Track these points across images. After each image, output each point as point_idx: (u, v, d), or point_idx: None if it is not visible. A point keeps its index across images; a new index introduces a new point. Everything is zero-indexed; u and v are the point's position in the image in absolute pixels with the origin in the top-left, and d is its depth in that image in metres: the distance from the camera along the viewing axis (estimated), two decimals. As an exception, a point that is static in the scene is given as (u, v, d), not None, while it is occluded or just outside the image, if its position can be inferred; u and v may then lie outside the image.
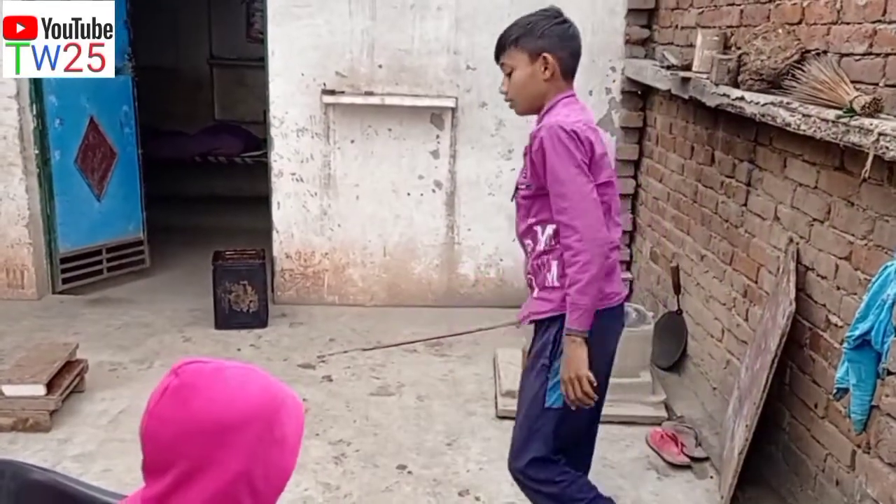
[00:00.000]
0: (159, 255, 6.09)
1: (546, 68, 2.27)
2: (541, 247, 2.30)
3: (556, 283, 2.27)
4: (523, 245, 2.42)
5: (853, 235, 2.68)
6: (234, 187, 7.84)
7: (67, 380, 3.76)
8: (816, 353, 2.90)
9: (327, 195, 5.31)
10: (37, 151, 5.13)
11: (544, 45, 2.26)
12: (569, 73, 2.34)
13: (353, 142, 5.24)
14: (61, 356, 3.81)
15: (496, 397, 4.13)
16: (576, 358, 2.18)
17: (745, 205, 3.56)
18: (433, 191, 5.34)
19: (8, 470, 1.59)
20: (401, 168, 5.29)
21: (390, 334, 5.00)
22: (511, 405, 4.01)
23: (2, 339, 4.65)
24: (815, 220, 2.94)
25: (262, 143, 7.31)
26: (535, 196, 2.29)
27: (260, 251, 5.17)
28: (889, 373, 1.99)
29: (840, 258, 2.75)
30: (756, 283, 3.46)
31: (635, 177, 5.24)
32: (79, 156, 5.37)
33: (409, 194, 5.33)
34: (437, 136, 5.25)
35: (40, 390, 3.58)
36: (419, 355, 4.74)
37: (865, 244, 2.60)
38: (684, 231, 4.34)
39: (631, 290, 5.32)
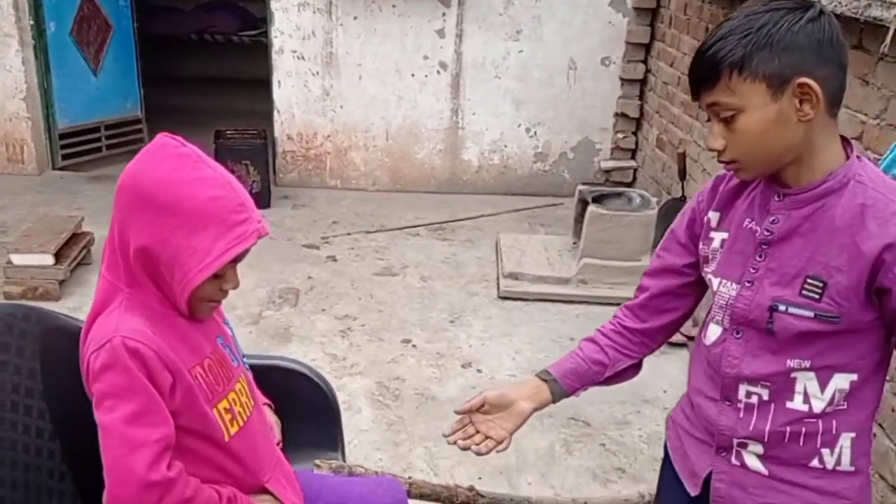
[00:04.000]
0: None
1: (804, 101, 1.22)
2: (817, 406, 1.33)
3: (851, 468, 1.36)
4: (732, 387, 1.39)
5: (866, 115, 2.66)
6: (231, 68, 7.68)
7: (75, 251, 3.79)
8: (820, 234, 2.93)
9: (329, 74, 5.21)
10: (32, 22, 5.01)
11: (795, 63, 1.22)
12: (837, 101, 1.27)
13: (355, 18, 5.09)
14: (67, 227, 3.83)
15: (498, 279, 4.19)
16: None
17: (758, 87, 3.51)
18: (438, 72, 5.24)
19: (33, 315, 1.63)
20: (405, 47, 5.17)
21: (393, 218, 5.03)
22: (513, 286, 4.09)
23: (4, 212, 4.66)
24: (829, 100, 2.92)
25: (259, 21, 7.11)
26: (828, 332, 1.29)
27: (261, 131, 5.12)
28: None
29: (852, 138, 2.73)
30: (763, 167, 3.45)
31: (645, 61, 5.15)
32: (74, 28, 5.24)
33: (413, 75, 5.23)
34: (443, 14, 5.10)
35: (48, 260, 3.61)
36: (422, 239, 4.78)
37: (878, 123, 2.58)
38: (693, 116, 4.30)
39: (634, 178, 5.33)
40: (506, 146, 5.43)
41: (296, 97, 5.25)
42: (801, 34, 1.22)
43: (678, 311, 1.54)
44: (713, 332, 1.41)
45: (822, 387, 1.32)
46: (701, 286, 1.49)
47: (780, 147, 1.25)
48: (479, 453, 1.53)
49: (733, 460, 1.40)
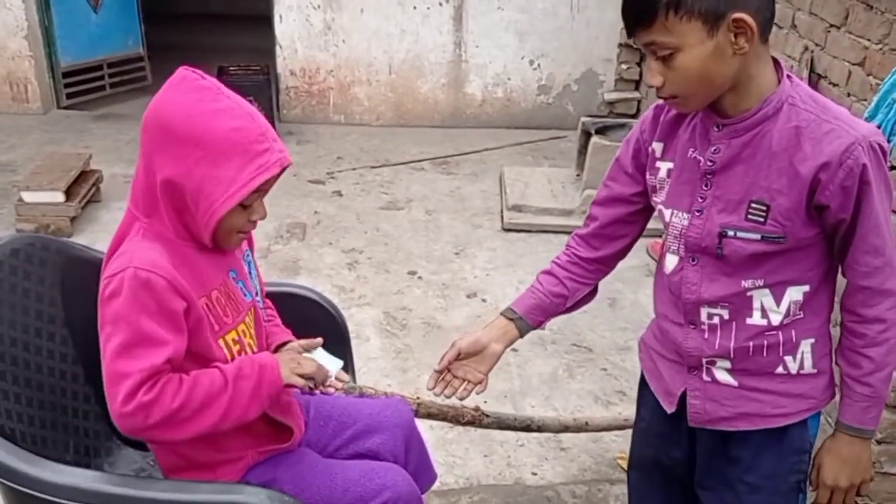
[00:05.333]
0: (160, 73, 5.97)
1: (739, 35, 1.23)
2: (775, 319, 1.40)
3: (813, 370, 1.44)
4: (694, 311, 1.45)
5: (869, 40, 2.66)
6: (232, 4, 7.59)
7: (84, 188, 3.84)
8: (820, 161, 2.96)
9: (331, 8, 5.16)
10: (28, -43, 4.96)
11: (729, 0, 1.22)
12: (768, 28, 1.29)
13: (356, -50, 5.03)
14: (76, 165, 3.87)
15: (502, 211, 4.24)
16: (865, 461, 1.47)
17: (762, 14, 3.48)
18: (440, 4, 5.18)
19: (52, 245, 1.69)
20: (406, -21, 5.11)
21: (397, 153, 5.05)
22: (517, 218, 4.13)
23: (13, 151, 4.70)
24: (832, 25, 2.90)
25: (259, -45, 6.99)
26: (776, 252, 1.36)
27: (264, 67, 5.10)
28: (892, 168, 2.03)
29: (854, 64, 2.74)
30: (766, 95, 3.45)
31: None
32: (71, -37, 5.20)
33: (415, 8, 5.18)
34: (445, -55, 5.03)
35: (59, 197, 3.66)
36: (426, 173, 4.81)
37: (880, 48, 2.58)
38: (697, 46, 4.27)
39: (639, 109, 5.31)
40: (509, 79, 5.40)
41: (298, 32, 5.22)
42: None
43: (628, 237, 1.59)
44: (671, 261, 1.45)
45: (778, 301, 1.39)
46: (648, 211, 1.54)
47: (718, 81, 1.27)
48: (461, 398, 1.62)
49: (705, 377, 1.47)
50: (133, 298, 1.30)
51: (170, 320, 1.34)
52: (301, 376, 1.46)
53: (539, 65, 5.35)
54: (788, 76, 1.32)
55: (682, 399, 1.51)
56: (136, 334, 1.30)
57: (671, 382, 1.53)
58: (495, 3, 5.17)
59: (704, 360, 1.46)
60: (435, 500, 2.31)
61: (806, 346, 1.42)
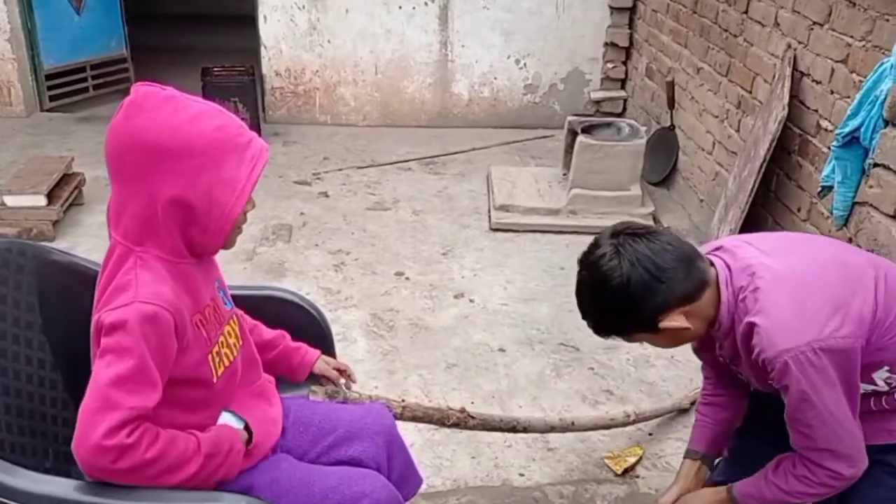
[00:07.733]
0: (144, 74, 5.94)
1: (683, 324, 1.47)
2: (882, 387, 1.52)
3: None
4: None
5: (852, 37, 2.66)
6: (216, 4, 7.55)
7: (67, 191, 3.81)
8: (804, 158, 2.97)
9: (315, 8, 5.14)
10: (10, -41, 4.91)
11: (661, 304, 1.44)
12: (698, 290, 1.46)
13: (341, -50, 5.01)
14: (58, 168, 3.84)
15: (489, 211, 4.23)
16: None
17: (746, 12, 3.49)
18: (426, 4, 5.16)
19: (29, 251, 1.66)
20: (391, -21, 5.09)
21: (384, 153, 5.03)
22: (504, 218, 4.12)
23: (-5, 154, 4.66)
24: (815, 23, 2.91)
25: (244, -45, 6.96)
26: None
27: (249, 68, 5.07)
28: (875, 165, 2.04)
29: (836, 61, 2.75)
30: (750, 93, 3.46)
31: (634, -10, 5.08)
32: (54, -36, 5.15)
33: (400, 7, 5.16)
34: (430, -56, 5.01)
35: (41, 201, 3.63)
36: (413, 173, 4.79)
37: (863, 46, 2.59)
38: (682, 44, 4.27)
39: (625, 108, 5.31)
40: (495, 78, 5.39)
41: (282, 32, 5.19)
42: (656, 273, 1.42)
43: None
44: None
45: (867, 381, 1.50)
46: None
47: (685, 341, 1.57)
48: None
49: None
50: (138, 331, 1.27)
51: (164, 361, 1.31)
52: None
53: (525, 64, 5.35)
54: (728, 281, 1.47)
55: None
56: (137, 369, 1.27)
57: None
58: (481, 2, 5.16)
59: None
60: (422, 502, 2.30)
61: None
